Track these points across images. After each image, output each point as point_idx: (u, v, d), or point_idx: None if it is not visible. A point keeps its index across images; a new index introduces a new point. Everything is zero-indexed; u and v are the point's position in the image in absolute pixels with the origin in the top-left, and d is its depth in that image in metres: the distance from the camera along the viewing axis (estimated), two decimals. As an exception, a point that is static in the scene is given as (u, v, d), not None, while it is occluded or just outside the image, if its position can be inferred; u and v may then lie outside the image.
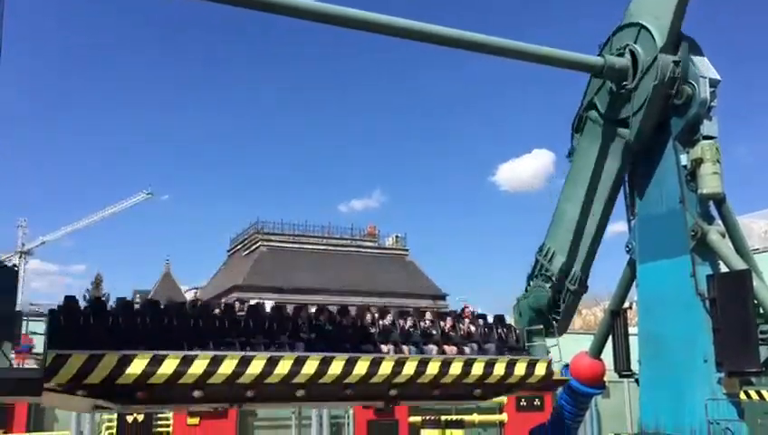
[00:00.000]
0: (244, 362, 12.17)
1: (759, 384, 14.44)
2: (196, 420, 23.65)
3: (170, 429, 24.25)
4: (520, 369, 14.42)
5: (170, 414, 23.67)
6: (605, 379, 18.36)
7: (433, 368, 13.59)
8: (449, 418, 23.90)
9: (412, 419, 25.54)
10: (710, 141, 15.61)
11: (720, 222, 15.90)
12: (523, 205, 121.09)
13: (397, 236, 69.29)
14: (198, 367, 11.79)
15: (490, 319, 16.11)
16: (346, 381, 12.95)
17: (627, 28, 16.54)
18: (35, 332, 13.11)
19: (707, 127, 15.78)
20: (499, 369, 14.23)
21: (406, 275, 64.37)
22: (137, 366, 11.40)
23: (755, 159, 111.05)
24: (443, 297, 65.22)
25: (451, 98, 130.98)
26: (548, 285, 17.21)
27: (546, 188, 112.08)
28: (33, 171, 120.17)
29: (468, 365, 13.93)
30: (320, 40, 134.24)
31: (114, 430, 23.58)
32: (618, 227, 20.92)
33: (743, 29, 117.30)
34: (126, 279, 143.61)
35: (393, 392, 13.78)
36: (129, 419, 23.11)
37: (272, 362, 12.32)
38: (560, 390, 18.33)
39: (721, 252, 15.31)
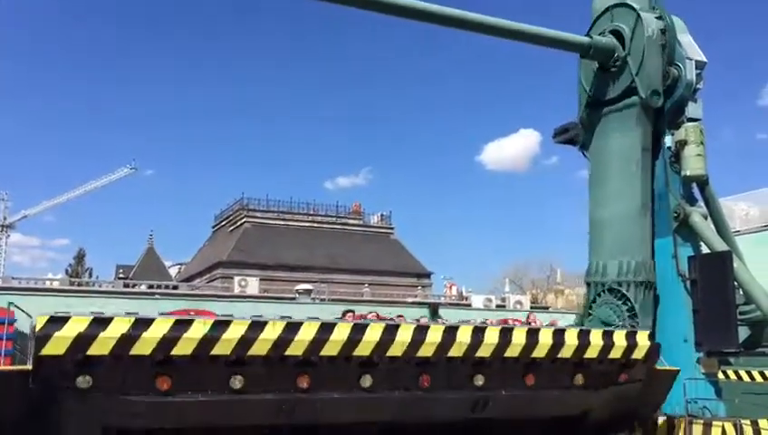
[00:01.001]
0: (292, 329, 10.13)
1: (737, 364, 14.61)
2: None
3: None
4: (620, 338, 12.42)
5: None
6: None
7: (519, 337, 11.66)
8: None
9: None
10: (695, 123, 15.73)
11: (702, 204, 16.05)
12: (509, 184, 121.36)
13: (382, 215, 69.34)
14: (235, 331, 9.74)
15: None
16: (419, 354, 10.87)
17: (598, 20, 16.79)
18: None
19: (692, 109, 15.91)
20: (596, 338, 12.24)
21: (391, 254, 64.49)
22: (157, 330, 9.35)
23: (739, 142, 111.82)
24: (427, 275, 65.50)
25: (438, 77, 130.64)
26: (612, 296, 15.72)
27: (532, 168, 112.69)
28: (16, 144, 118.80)
29: (560, 334, 12.06)
30: (309, 16, 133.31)
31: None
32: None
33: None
34: (109, 254, 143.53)
35: (479, 381, 11.62)
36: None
37: (326, 329, 10.33)
38: None
39: (703, 233, 15.46)
